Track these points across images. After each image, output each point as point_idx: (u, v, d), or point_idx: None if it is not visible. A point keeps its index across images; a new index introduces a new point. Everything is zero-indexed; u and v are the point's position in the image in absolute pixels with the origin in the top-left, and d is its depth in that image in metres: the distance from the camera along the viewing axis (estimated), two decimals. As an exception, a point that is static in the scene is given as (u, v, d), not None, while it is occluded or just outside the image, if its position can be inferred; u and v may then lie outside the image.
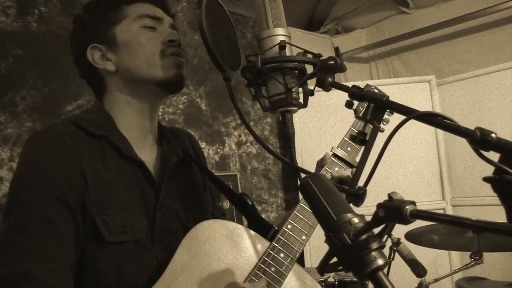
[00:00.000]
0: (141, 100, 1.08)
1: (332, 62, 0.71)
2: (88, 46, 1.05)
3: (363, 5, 3.54)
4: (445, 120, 0.63)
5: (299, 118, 3.03)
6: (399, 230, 1.69)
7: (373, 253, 0.56)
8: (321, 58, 0.74)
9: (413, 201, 0.51)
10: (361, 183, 0.76)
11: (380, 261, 0.56)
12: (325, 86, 0.72)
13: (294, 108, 0.75)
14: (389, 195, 0.55)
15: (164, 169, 1.08)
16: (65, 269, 0.87)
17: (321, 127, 3.00)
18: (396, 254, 1.80)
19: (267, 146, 0.76)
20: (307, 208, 1.08)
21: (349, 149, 1.16)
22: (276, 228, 1.09)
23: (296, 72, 0.76)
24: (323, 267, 0.59)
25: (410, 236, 1.86)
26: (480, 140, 0.59)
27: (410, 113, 0.66)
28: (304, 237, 1.04)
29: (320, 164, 1.16)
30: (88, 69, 1.07)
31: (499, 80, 2.75)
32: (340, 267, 0.60)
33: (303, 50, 0.77)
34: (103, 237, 0.92)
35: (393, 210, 0.52)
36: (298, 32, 3.56)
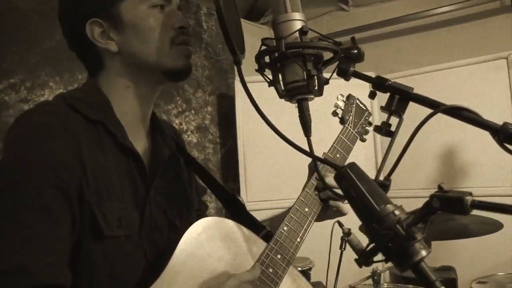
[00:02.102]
0: (141, 85, 0.99)
1: (355, 51, 0.70)
2: (87, 19, 0.94)
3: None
4: (471, 114, 0.65)
5: (241, 108, 3.01)
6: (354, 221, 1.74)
7: (417, 244, 0.57)
8: (342, 47, 0.73)
9: (470, 192, 0.52)
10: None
11: (424, 252, 0.57)
12: (347, 75, 0.71)
13: (312, 96, 0.73)
14: (439, 186, 0.55)
15: (158, 162, 1.01)
16: (63, 263, 0.79)
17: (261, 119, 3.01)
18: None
19: (285, 136, 0.73)
20: (301, 210, 1.08)
21: (338, 155, 1.19)
22: (269, 229, 1.07)
23: (312, 59, 0.74)
24: (367, 259, 0.58)
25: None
26: (510, 134, 0.61)
27: (436, 107, 0.67)
28: (298, 240, 1.04)
29: (312, 167, 1.16)
30: (84, 44, 0.96)
31: (433, 80, 2.93)
32: (379, 259, 0.60)
33: (318, 36, 0.75)
34: (102, 231, 0.84)
35: (451, 201, 0.52)
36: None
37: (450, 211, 0.52)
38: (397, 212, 0.58)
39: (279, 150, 3.01)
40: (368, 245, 0.60)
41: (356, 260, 0.61)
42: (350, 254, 1.84)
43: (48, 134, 0.83)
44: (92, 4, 0.95)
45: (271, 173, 2.97)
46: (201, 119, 3.15)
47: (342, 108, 1.28)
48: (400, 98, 0.68)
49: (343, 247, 1.89)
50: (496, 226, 1.68)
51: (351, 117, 1.26)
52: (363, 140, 1.35)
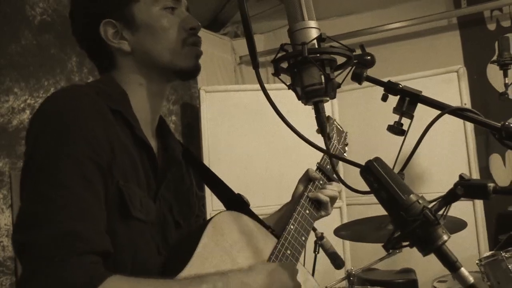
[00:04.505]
0: (153, 83, 1.02)
1: (369, 57, 0.77)
2: (101, 20, 0.97)
3: (264, 11, 3.68)
4: (474, 115, 0.73)
5: (206, 117, 3.03)
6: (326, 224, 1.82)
7: (439, 229, 0.63)
8: (355, 53, 0.79)
9: (490, 179, 0.59)
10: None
11: (445, 237, 0.63)
12: (361, 79, 0.77)
13: (327, 99, 0.79)
14: (461, 176, 0.62)
15: (171, 159, 1.04)
16: (105, 232, 0.79)
17: (225, 125, 3.05)
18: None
19: (305, 137, 0.77)
20: (303, 212, 1.17)
21: (328, 166, 1.28)
22: (273, 229, 1.12)
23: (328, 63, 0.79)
24: (394, 244, 0.64)
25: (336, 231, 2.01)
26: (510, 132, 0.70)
27: (443, 108, 0.74)
28: (303, 238, 1.12)
29: (310, 173, 1.26)
30: (96, 44, 0.98)
31: (386, 92, 3.09)
32: (404, 244, 0.66)
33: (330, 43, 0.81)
34: (129, 210, 0.85)
35: (475, 188, 0.59)
36: (200, 31, 3.57)
37: (473, 196, 0.59)
38: (421, 201, 0.64)
39: (243, 159, 3.06)
40: (393, 231, 0.66)
41: (383, 245, 0.67)
42: (324, 257, 1.91)
43: (82, 111, 0.84)
44: (105, 5, 0.98)
45: (236, 181, 2.98)
46: (165, 128, 3.14)
47: None
48: (410, 100, 0.75)
49: (316, 250, 1.96)
50: (461, 225, 1.79)
51: (334, 135, 1.37)
52: None
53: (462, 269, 0.62)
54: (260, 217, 1.30)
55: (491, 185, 0.58)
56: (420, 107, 0.88)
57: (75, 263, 0.71)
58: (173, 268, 0.86)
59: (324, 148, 0.78)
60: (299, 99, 0.80)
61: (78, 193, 0.77)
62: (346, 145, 1.42)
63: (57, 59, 2.31)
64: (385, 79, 3.05)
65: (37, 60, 2.24)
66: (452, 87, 2.87)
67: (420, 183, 2.89)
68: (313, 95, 0.78)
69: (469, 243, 2.69)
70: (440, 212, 0.64)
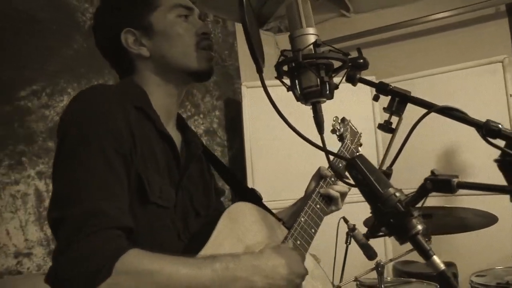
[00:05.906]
0: (171, 84, 1.13)
1: (362, 60, 0.83)
2: (121, 29, 1.08)
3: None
4: (460, 113, 0.77)
5: (247, 112, 3.13)
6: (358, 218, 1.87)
7: (414, 220, 0.69)
8: (350, 57, 0.85)
9: (457, 175, 0.64)
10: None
11: (419, 227, 0.69)
12: (354, 81, 0.83)
13: (324, 99, 0.85)
14: (432, 171, 0.67)
15: (193, 151, 1.14)
16: (128, 211, 0.89)
17: (266, 120, 3.13)
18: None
19: (302, 135, 0.85)
20: (314, 206, 1.25)
21: (340, 165, 1.36)
22: (284, 221, 1.21)
23: (324, 67, 0.86)
24: (373, 233, 0.70)
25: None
26: (491, 129, 0.73)
27: (430, 107, 0.79)
28: (313, 230, 1.20)
29: (322, 170, 1.36)
30: (118, 51, 1.10)
31: (431, 84, 3.05)
32: (382, 233, 0.72)
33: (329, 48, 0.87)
34: (148, 195, 0.95)
35: (442, 183, 0.64)
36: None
37: (440, 191, 0.64)
38: (397, 194, 0.70)
39: (284, 152, 3.14)
40: (373, 223, 0.72)
41: (364, 234, 0.73)
42: (355, 248, 1.96)
43: (105, 105, 0.94)
44: (125, 16, 1.10)
45: (277, 174, 3.09)
46: (209, 123, 3.27)
47: (339, 128, 1.43)
48: (399, 100, 0.80)
49: (348, 241, 2.00)
50: (492, 219, 1.79)
51: (348, 135, 1.43)
52: None
53: (434, 257, 0.67)
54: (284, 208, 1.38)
55: (455, 180, 0.63)
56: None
57: (102, 236, 0.81)
58: (190, 251, 0.96)
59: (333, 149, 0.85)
60: (297, 100, 0.87)
61: (104, 178, 0.87)
62: (360, 145, 1.48)
63: (105, 61, 2.48)
64: (429, 70, 3.03)
65: (87, 62, 2.43)
66: (496, 78, 2.80)
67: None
68: (310, 97, 0.85)
69: (509, 239, 2.63)
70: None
